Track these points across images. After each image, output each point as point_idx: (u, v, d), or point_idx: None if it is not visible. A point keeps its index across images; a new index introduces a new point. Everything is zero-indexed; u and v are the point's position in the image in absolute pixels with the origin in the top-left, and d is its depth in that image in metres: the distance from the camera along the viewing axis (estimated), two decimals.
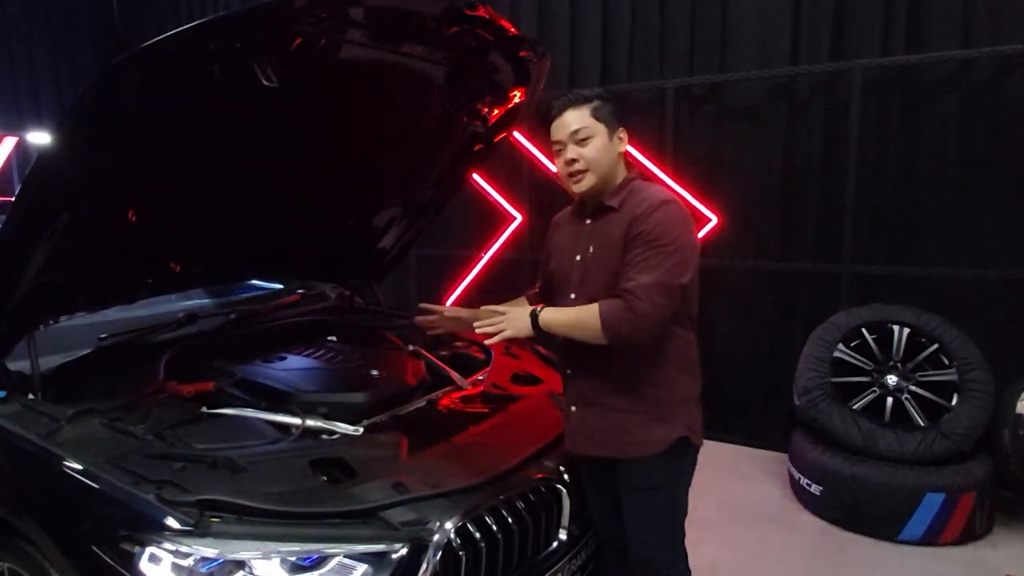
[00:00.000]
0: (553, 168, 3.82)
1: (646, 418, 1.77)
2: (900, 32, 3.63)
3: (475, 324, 1.71)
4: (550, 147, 1.82)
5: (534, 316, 1.68)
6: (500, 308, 1.75)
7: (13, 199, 1.73)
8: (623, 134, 1.80)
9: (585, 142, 1.73)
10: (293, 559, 1.46)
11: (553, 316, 1.70)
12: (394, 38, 2.03)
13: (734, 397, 4.07)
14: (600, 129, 1.74)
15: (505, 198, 4.75)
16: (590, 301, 1.73)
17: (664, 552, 1.86)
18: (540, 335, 1.70)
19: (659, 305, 1.62)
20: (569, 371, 1.88)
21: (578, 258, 1.82)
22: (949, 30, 3.51)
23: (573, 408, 1.87)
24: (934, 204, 3.63)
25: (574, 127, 1.73)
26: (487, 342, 1.70)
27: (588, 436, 1.84)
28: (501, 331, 1.66)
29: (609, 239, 1.74)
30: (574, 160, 1.74)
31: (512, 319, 1.68)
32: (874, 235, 3.78)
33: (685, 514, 1.89)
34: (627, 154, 1.85)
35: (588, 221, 1.83)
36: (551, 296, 1.93)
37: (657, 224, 1.67)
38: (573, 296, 1.81)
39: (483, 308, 1.79)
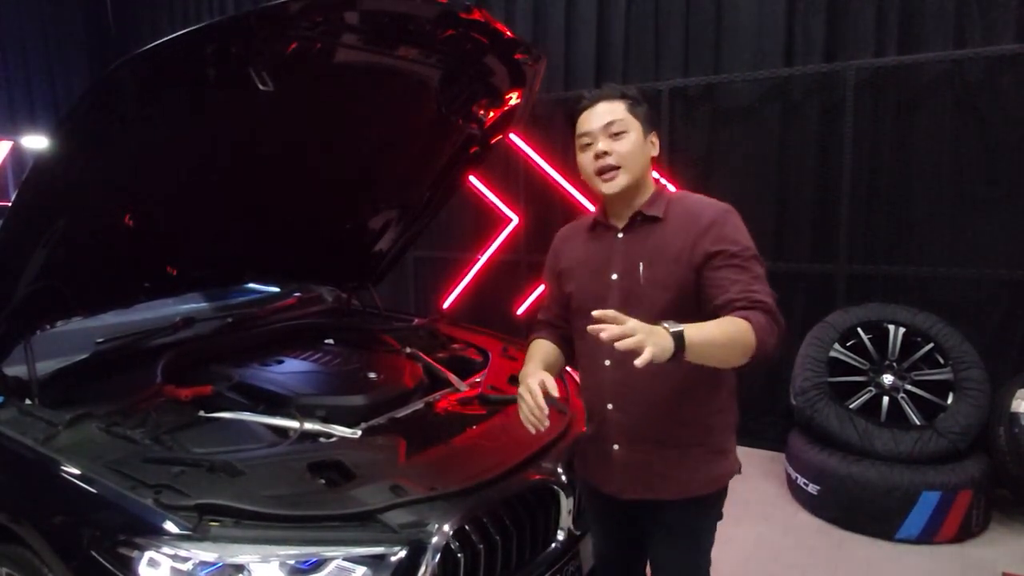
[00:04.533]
0: (550, 171, 3.70)
1: (705, 451, 1.59)
2: (893, 33, 3.64)
3: (606, 335, 1.22)
4: (576, 142, 1.60)
5: (679, 336, 1.26)
6: (621, 316, 1.26)
7: (10, 204, 1.73)
8: (655, 139, 1.60)
9: (619, 136, 1.53)
10: (292, 562, 1.46)
11: (698, 336, 1.29)
12: (389, 42, 2.03)
13: None
14: (635, 126, 1.55)
15: (502, 200, 4.75)
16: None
17: None
18: (676, 358, 1.27)
19: (781, 316, 1.45)
20: (611, 406, 1.60)
21: (615, 276, 1.57)
22: (942, 31, 3.52)
23: (616, 447, 1.61)
24: (929, 204, 3.64)
25: (608, 119, 1.54)
26: (637, 362, 1.20)
27: (638, 478, 1.60)
28: (641, 345, 1.20)
29: (662, 253, 1.52)
30: (605, 153, 1.53)
31: (652, 334, 1.23)
32: (869, 235, 3.79)
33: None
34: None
35: (620, 235, 1.60)
36: (574, 322, 1.66)
37: (736, 234, 1.50)
38: None
39: (600, 312, 1.28)
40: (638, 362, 1.20)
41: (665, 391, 1.55)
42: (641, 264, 1.54)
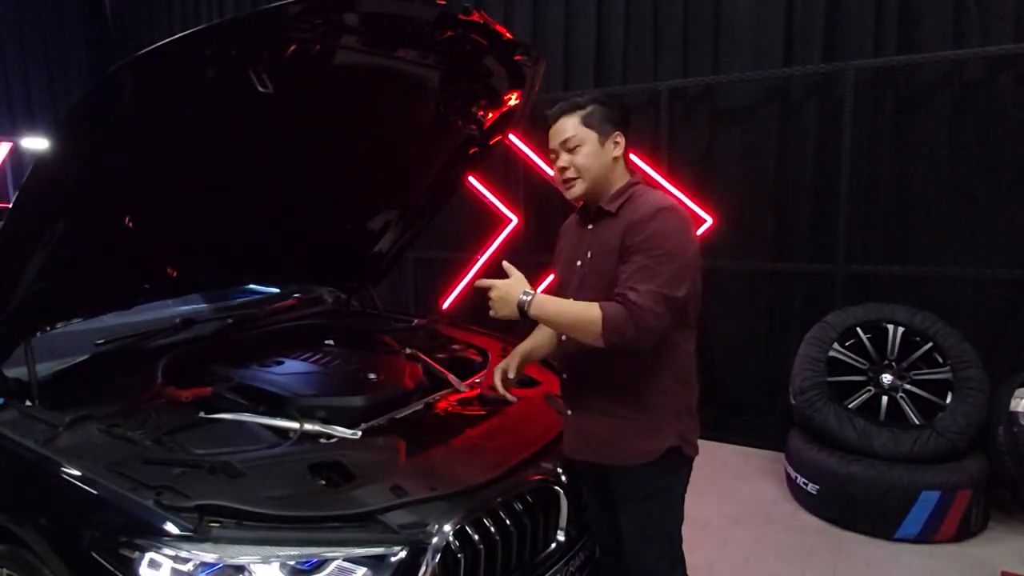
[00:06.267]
0: (549, 171, 3.77)
1: (638, 426, 1.75)
2: (892, 33, 3.65)
3: (478, 283, 1.76)
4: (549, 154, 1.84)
5: (523, 303, 1.66)
6: (499, 283, 1.72)
7: (10, 205, 1.73)
8: (619, 138, 1.77)
9: (575, 150, 1.74)
10: (292, 563, 1.47)
11: (549, 307, 1.67)
12: (388, 43, 2.04)
13: (731, 397, 4.08)
14: (590, 136, 1.74)
15: (501, 200, 4.76)
16: None
17: (659, 562, 1.84)
18: (528, 321, 1.69)
19: (659, 315, 1.59)
20: (565, 375, 1.87)
21: (578, 263, 1.81)
22: (941, 31, 3.53)
23: (569, 412, 1.87)
24: (927, 203, 3.65)
25: (564, 135, 1.75)
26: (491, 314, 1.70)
27: (584, 441, 1.83)
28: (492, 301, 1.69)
29: (606, 245, 1.73)
30: (564, 168, 1.76)
31: (502, 300, 1.69)
32: (868, 235, 3.80)
33: (680, 523, 1.87)
34: (628, 160, 1.85)
35: (590, 227, 1.83)
36: None
37: (655, 233, 1.64)
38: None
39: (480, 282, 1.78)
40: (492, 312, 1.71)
41: (610, 368, 1.75)
42: (590, 253, 1.79)
